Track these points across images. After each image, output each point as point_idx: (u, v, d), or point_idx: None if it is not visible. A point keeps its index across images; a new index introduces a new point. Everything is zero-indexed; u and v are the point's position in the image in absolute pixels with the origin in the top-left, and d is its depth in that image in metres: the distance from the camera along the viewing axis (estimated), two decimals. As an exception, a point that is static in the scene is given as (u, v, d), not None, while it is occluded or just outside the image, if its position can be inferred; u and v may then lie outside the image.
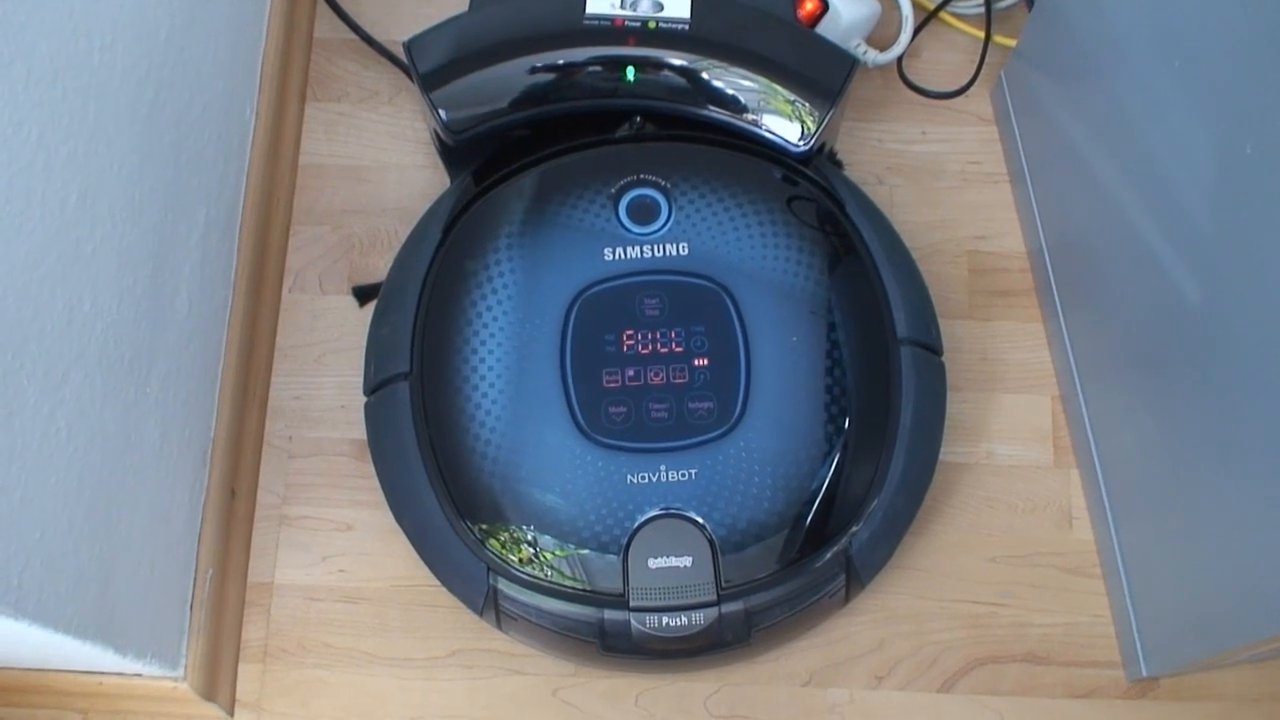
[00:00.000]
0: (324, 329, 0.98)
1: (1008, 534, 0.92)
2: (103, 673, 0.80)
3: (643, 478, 0.80)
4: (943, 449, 0.86)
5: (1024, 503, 0.93)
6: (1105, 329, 0.88)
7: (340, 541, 0.92)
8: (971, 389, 0.95)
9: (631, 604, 0.78)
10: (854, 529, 0.81)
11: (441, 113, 0.88)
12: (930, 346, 0.86)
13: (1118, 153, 0.82)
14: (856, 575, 0.82)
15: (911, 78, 1.06)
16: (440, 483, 0.81)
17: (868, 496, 0.81)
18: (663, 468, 0.80)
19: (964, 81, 1.05)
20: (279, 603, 0.90)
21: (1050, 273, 0.95)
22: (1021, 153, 0.98)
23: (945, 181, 1.02)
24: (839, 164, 0.98)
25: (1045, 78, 0.94)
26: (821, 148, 0.90)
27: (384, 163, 1.03)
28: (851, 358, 0.83)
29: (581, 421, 0.81)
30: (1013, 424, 0.95)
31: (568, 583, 0.79)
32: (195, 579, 0.85)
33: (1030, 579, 0.90)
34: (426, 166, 1.02)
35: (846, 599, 0.84)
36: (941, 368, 0.86)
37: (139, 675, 0.80)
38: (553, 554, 0.79)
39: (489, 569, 0.80)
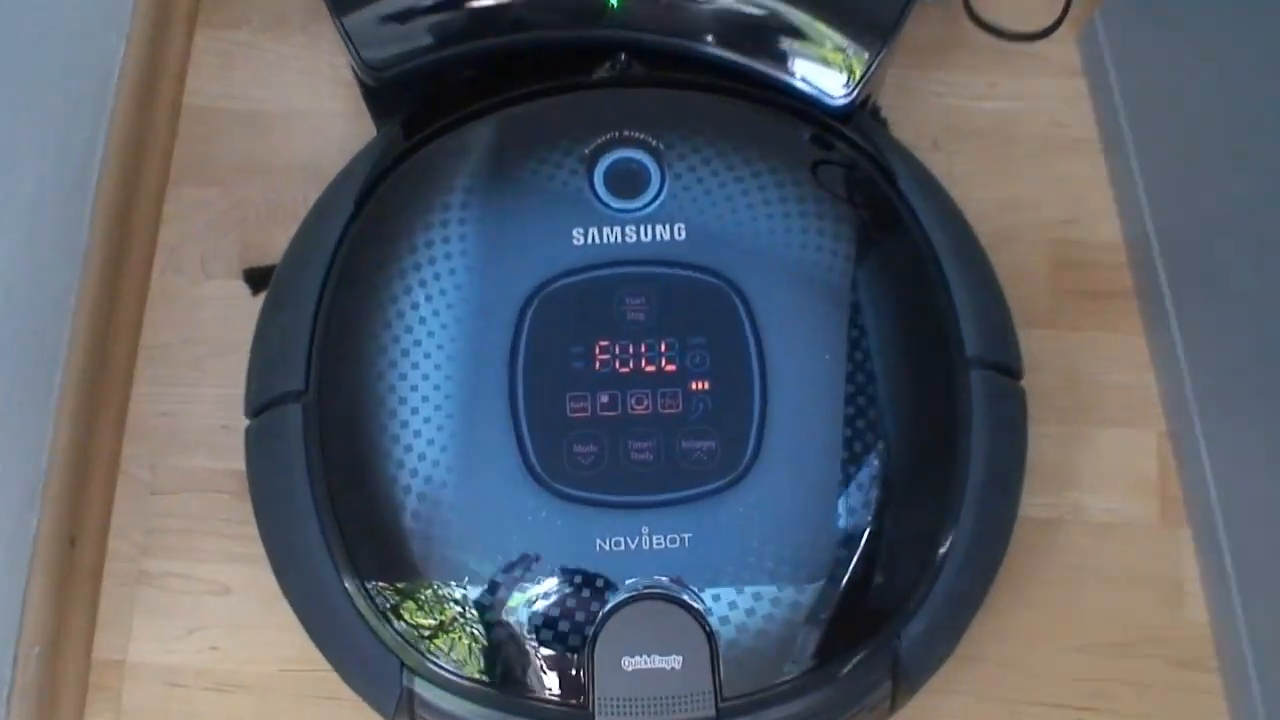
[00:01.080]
0: (205, 324, 0.91)
1: (1100, 615, 0.85)
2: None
3: (617, 544, 0.70)
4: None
5: (1121, 573, 0.86)
6: (1233, 344, 0.81)
7: (214, 608, 0.85)
8: (1055, 422, 0.88)
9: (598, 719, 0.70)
10: (904, 619, 0.71)
11: (357, 47, 0.79)
12: (1007, 368, 0.77)
13: (1257, 114, 0.75)
14: (905, 679, 0.72)
15: (982, 14, 0.98)
16: (339, 540, 0.71)
17: (923, 574, 0.72)
18: (645, 530, 0.71)
19: (1048, 21, 0.97)
20: (132, 689, 0.83)
21: (1159, 269, 0.89)
22: (1121, 113, 0.92)
23: (1021, 149, 0.96)
24: (882, 121, 0.90)
25: (1154, 16, 0.88)
26: (865, 101, 0.82)
27: (293, 108, 0.95)
28: (902, 383, 0.74)
29: (535, 464, 0.72)
30: (1107, 468, 0.88)
31: (510, 688, 0.70)
32: (17, 657, 0.77)
33: (1128, 674, 0.84)
34: (349, 114, 0.94)
35: (892, 709, 0.74)
36: (1021, 396, 0.78)
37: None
38: (490, 648, 0.70)
39: (403, 665, 0.71)
